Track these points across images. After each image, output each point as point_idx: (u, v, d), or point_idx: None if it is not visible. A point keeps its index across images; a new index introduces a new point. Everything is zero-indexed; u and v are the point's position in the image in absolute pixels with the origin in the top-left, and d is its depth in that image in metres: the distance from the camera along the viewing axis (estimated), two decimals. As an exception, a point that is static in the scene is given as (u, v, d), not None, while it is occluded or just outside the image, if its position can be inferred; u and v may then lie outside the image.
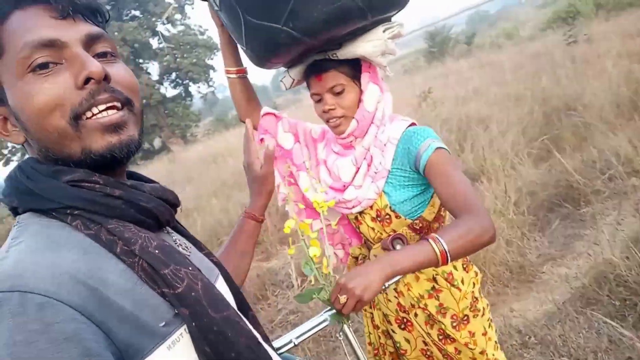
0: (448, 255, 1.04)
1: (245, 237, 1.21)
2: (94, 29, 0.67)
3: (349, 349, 1.12)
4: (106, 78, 0.64)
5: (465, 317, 1.38)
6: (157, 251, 0.63)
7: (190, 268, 0.65)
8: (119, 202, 0.64)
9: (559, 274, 2.95)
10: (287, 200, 1.52)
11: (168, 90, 27.14)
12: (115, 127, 0.64)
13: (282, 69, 1.44)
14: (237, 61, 1.44)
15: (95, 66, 0.62)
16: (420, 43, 27.75)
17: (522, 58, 11.22)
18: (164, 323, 0.60)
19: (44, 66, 0.61)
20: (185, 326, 0.62)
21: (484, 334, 1.40)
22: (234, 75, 1.44)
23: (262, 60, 1.26)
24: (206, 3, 1.34)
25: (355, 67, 1.30)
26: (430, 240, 1.04)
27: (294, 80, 1.39)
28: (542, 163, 4.88)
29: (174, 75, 27.03)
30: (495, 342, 1.43)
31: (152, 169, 14.81)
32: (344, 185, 1.37)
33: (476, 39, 22.47)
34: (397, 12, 1.26)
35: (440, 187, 1.19)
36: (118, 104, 0.65)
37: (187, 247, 0.77)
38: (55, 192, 0.62)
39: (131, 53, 24.76)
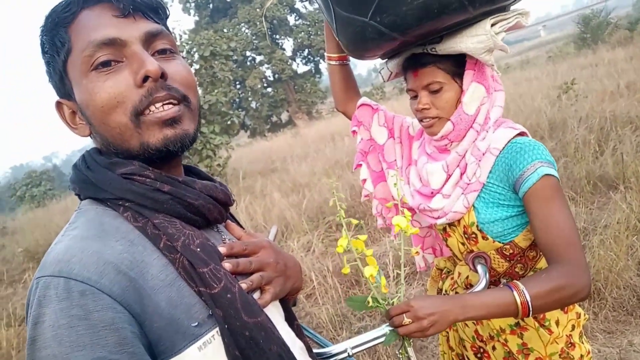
0: (530, 311, 0.94)
1: None
2: (154, 27, 0.69)
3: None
4: (163, 76, 0.66)
5: None
6: (198, 249, 0.64)
7: None
8: (166, 197, 0.66)
9: (700, 311, 2.50)
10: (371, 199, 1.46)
11: (299, 67, 28.08)
12: (171, 122, 0.66)
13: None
14: (339, 47, 1.34)
15: (152, 65, 0.64)
16: (572, 27, 25.02)
17: (697, 49, 9.55)
18: (196, 323, 0.61)
19: (106, 64, 0.64)
20: (217, 329, 0.62)
21: None
22: (334, 62, 1.39)
23: (355, 52, 1.19)
24: None
25: (458, 64, 1.14)
26: (514, 290, 0.95)
27: (391, 72, 1.29)
28: (701, 176, 4.14)
29: (306, 51, 27.82)
30: None
31: (276, 142, 15.55)
32: (432, 192, 1.24)
33: (641, 25, 19.60)
34: (512, 2, 1.08)
35: (539, 223, 1.04)
36: (175, 101, 0.67)
37: None
38: (110, 183, 0.65)
39: (269, 29, 25.95)
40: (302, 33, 26.82)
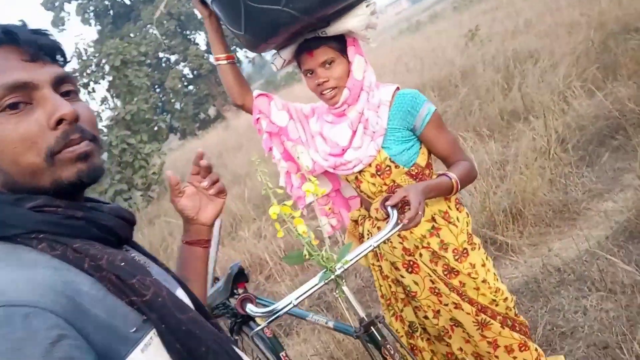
0: (459, 185, 1.41)
1: (194, 265, 1.02)
2: (61, 71, 0.72)
3: (347, 304, 1.22)
4: (77, 118, 0.69)
5: (465, 250, 1.51)
6: (123, 263, 0.68)
7: (153, 278, 0.71)
8: (81, 222, 0.69)
9: (604, 209, 2.86)
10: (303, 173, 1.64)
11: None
12: (85, 156, 0.70)
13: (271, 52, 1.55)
14: (226, 48, 1.55)
15: (67, 108, 0.67)
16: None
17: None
18: (134, 329, 0.65)
19: (14, 106, 0.65)
20: (154, 330, 0.67)
21: (483, 265, 1.53)
22: (224, 62, 1.55)
23: (259, 42, 1.38)
24: None
25: (341, 42, 1.44)
26: (449, 175, 1.41)
27: (285, 60, 1.51)
28: (595, 94, 4.60)
29: (220, 42, 27.25)
30: (495, 274, 1.55)
31: (208, 139, 15.31)
32: (343, 149, 1.50)
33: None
34: None
35: (441, 144, 1.50)
36: (86, 141, 0.71)
37: (145, 262, 0.82)
38: (20, 218, 0.65)
39: (177, 26, 25.20)
40: (213, 24, 26.21)
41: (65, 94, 0.72)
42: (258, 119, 1.59)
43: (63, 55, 0.75)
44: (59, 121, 0.67)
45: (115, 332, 0.63)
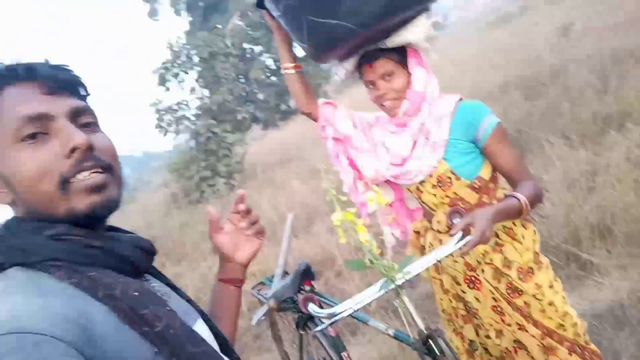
0: (528, 207, 1.36)
1: (226, 303, 1.02)
2: (78, 103, 0.74)
3: (406, 314, 1.23)
4: (91, 147, 0.71)
5: (530, 269, 1.47)
6: (136, 293, 0.68)
7: (167, 309, 0.71)
8: (99, 251, 0.70)
9: None
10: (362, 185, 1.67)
11: (298, 50, 27.80)
12: (98, 188, 0.71)
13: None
14: (294, 58, 1.63)
15: (81, 137, 0.69)
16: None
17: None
18: None
19: (32, 136, 0.69)
20: None
21: (551, 287, 1.48)
22: (292, 71, 1.63)
23: (321, 54, 1.46)
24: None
25: (402, 54, 1.46)
26: (518, 196, 1.36)
27: (347, 70, 1.57)
28: None
29: (303, 34, 27.55)
30: (563, 297, 1.49)
31: (288, 130, 15.65)
32: (403, 159, 1.52)
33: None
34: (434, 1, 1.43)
35: (503, 159, 1.46)
36: (100, 170, 0.72)
37: (165, 293, 0.81)
38: (39, 246, 0.68)
39: (261, 17, 25.79)
40: (296, 16, 26.52)
41: (85, 126, 0.74)
42: (324, 126, 1.64)
43: (83, 88, 0.78)
44: (73, 150, 0.69)
45: None
